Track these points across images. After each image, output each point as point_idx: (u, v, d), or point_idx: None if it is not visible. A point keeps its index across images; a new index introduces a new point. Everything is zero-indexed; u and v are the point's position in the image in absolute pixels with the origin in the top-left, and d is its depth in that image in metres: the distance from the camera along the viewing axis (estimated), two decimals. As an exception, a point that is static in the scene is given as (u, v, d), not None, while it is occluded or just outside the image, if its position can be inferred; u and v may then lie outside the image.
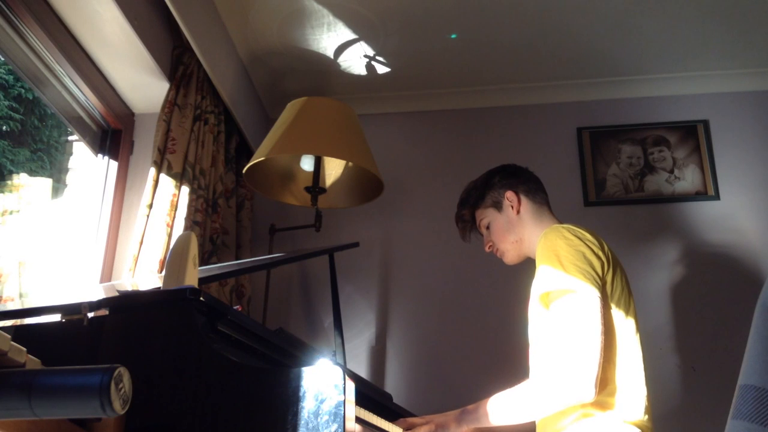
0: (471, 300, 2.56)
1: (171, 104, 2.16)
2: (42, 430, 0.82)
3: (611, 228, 2.56)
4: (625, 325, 1.47)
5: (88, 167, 2.28)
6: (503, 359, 2.30)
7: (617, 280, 1.49)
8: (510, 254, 1.74)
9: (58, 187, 2.30)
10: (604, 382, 1.40)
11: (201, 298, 1.09)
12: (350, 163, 2.33)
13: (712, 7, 2.38)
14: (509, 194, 1.72)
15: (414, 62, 2.70)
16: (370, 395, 1.48)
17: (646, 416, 1.44)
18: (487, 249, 1.79)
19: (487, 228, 1.76)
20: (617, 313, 1.47)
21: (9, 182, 2.08)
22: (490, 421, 1.43)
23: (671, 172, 2.66)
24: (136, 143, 2.36)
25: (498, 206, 1.74)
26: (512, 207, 1.71)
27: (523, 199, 1.72)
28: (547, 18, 2.43)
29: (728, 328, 2.37)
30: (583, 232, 1.50)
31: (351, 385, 0.97)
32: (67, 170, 2.38)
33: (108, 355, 1.07)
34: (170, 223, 2.01)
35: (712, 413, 1.77)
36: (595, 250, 1.46)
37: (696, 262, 2.51)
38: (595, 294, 1.37)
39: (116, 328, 1.10)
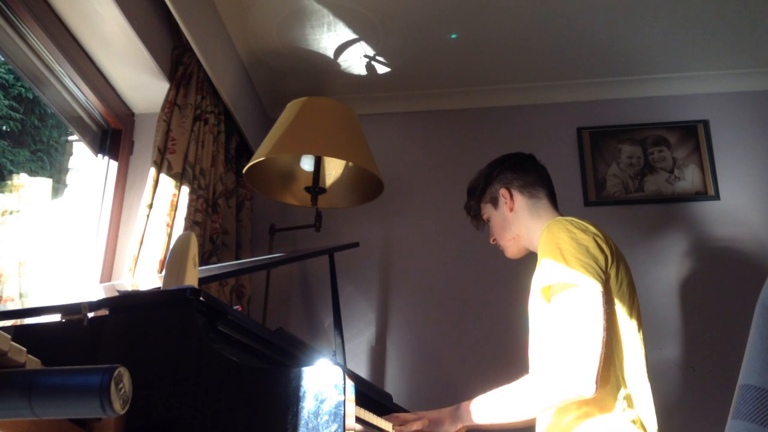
0: (471, 299, 2.56)
1: (171, 104, 2.16)
2: (42, 430, 0.82)
3: (611, 228, 2.51)
4: (628, 321, 1.45)
5: (88, 167, 2.29)
6: (504, 359, 2.30)
7: (621, 274, 1.47)
8: (510, 250, 1.75)
9: (58, 187, 2.30)
10: (606, 378, 1.38)
11: (201, 298, 1.08)
12: (350, 163, 2.33)
13: (713, 8, 2.38)
14: (503, 191, 1.72)
15: (414, 62, 2.70)
16: (370, 395, 1.48)
17: (650, 414, 1.42)
18: (491, 242, 1.80)
19: (489, 221, 1.79)
20: (621, 308, 1.45)
21: (9, 182, 2.08)
22: (487, 417, 1.39)
23: (671, 172, 2.66)
24: (136, 143, 2.36)
25: (495, 203, 1.74)
26: (506, 204, 1.71)
27: (516, 196, 1.70)
28: (547, 18, 2.43)
29: (728, 328, 2.37)
30: (587, 225, 1.48)
31: (351, 385, 0.97)
32: (67, 170, 2.38)
33: (108, 355, 1.07)
34: (170, 223, 2.01)
35: (712, 413, 1.77)
36: (600, 242, 1.44)
37: (696, 263, 2.51)
38: (597, 288, 1.34)
39: (116, 328, 1.10)
